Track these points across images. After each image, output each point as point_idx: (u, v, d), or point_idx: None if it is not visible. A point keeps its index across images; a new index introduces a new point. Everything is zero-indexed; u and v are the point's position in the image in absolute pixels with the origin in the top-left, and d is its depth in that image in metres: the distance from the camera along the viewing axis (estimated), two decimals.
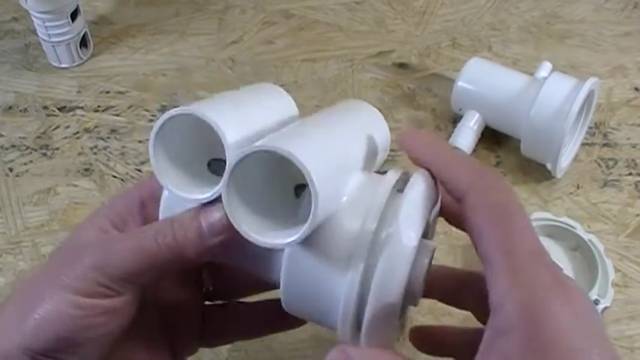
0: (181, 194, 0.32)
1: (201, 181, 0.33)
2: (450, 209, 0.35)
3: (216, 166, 0.33)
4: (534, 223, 0.53)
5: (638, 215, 0.56)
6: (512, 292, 0.27)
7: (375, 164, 0.37)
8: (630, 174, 0.58)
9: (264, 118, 0.35)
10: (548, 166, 0.57)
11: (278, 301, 0.33)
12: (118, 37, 0.70)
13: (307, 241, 0.31)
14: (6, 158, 0.60)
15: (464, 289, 0.36)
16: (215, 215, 0.31)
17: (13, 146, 0.60)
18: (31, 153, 0.60)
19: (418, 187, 0.32)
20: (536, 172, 0.58)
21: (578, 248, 0.52)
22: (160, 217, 0.34)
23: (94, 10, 0.73)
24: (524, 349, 0.26)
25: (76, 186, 0.58)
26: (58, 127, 0.62)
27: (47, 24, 0.63)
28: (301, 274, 0.31)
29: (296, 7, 0.73)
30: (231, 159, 0.29)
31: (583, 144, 0.60)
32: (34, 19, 0.64)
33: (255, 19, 0.72)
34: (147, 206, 0.35)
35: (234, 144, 0.30)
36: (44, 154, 0.60)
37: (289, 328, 0.39)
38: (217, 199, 0.31)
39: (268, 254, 0.32)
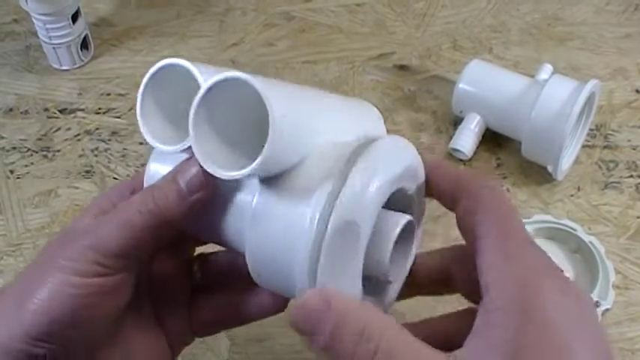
0: (158, 145, 0.32)
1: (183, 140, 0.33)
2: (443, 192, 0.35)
3: None
4: (535, 226, 0.53)
5: (638, 217, 0.56)
6: (506, 272, 0.28)
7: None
8: (631, 176, 0.58)
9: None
10: (549, 168, 0.57)
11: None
12: (119, 39, 0.70)
13: (268, 195, 0.31)
14: (7, 160, 0.60)
15: (451, 268, 0.36)
16: (191, 171, 0.32)
17: (14, 148, 0.60)
18: (31, 155, 0.60)
19: (383, 144, 0.32)
20: (537, 174, 0.58)
21: (579, 250, 0.52)
22: (145, 184, 0.35)
23: (95, 12, 0.73)
24: (518, 326, 0.27)
25: (77, 188, 0.58)
26: (58, 129, 0.62)
27: (48, 26, 0.63)
28: (262, 231, 0.31)
29: (297, 9, 0.73)
30: (202, 89, 0.29)
31: (584, 146, 0.60)
32: (34, 20, 0.64)
33: (256, 21, 0.72)
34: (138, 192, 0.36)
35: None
36: (45, 156, 0.60)
37: (270, 314, 0.39)
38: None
39: (236, 219, 0.32)
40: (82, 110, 0.63)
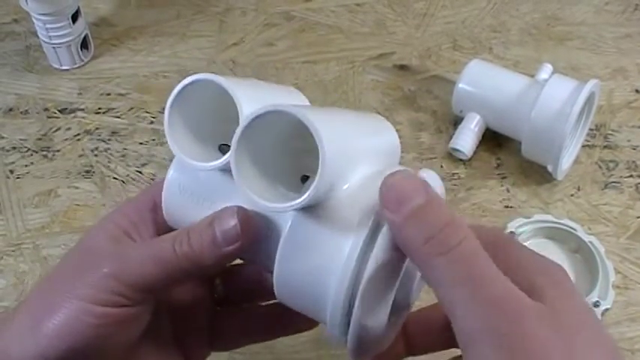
0: (191, 161, 0.31)
1: (211, 156, 0.32)
2: None
3: (227, 150, 0.33)
4: (535, 226, 0.53)
5: (638, 217, 0.56)
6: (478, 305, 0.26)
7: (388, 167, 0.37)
8: (631, 176, 0.58)
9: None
10: (549, 168, 0.57)
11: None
12: (119, 39, 0.70)
13: (304, 222, 0.31)
14: (7, 160, 0.60)
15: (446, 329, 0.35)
16: (229, 223, 0.31)
17: (14, 148, 0.60)
18: (31, 155, 0.60)
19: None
20: (537, 174, 0.58)
21: (579, 250, 0.52)
22: (164, 193, 0.34)
23: (95, 11, 0.73)
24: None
25: (76, 188, 0.58)
26: (58, 129, 0.62)
27: (48, 26, 0.63)
28: (295, 255, 0.31)
29: (297, 9, 0.73)
30: (241, 123, 0.29)
31: (584, 146, 0.60)
32: (34, 20, 0.64)
33: (256, 21, 0.72)
34: (158, 209, 0.35)
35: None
36: (45, 156, 0.60)
37: (298, 331, 0.39)
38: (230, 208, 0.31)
39: (271, 244, 0.32)
40: (82, 110, 0.63)
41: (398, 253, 0.30)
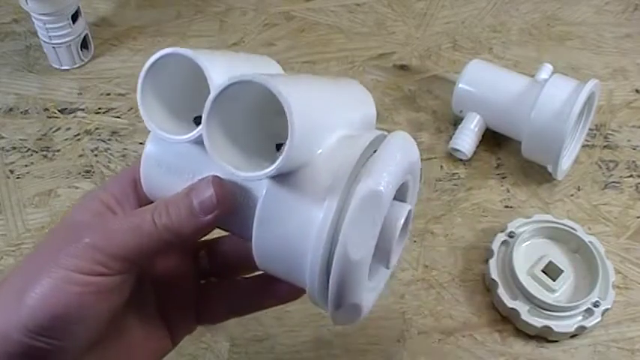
0: (164, 135, 0.32)
1: (186, 129, 0.33)
2: None
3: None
4: (535, 226, 0.53)
5: (638, 217, 0.56)
6: None
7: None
8: (631, 176, 0.58)
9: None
10: (549, 168, 0.57)
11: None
12: (119, 39, 0.70)
13: (279, 189, 0.31)
14: (7, 160, 0.60)
15: None
16: (205, 193, 0.32)
17: (14, 148, 0.61)
18: (31, 155, 0.60)
19: (391, 146, 0.32)
20: (537, 174, 0.58)
21: (579, 250, 0.52)
22: (142, 167, 0.35)
23: (95, 11, 0.73)
24: None
25: (77, 188, 0.58)
26: (58, 129, 0.62)
27: (48, 26, 0.63)
28: (272, 221, 0.32)
29: (297, 9, 0.73)
30: (210, 97, 0.30)
31: (584, 146, 0.60)
32: (34, 20, 0.64)
33: (256, 21, 0.72)
34: (139, 185, 0.36)
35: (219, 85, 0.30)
36: (45, 156, 0.60)
37: (283, 302, 0.39)
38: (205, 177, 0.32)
39: (247, 212, 0.32)
40: (82, 110, 0.63)
41: (372, 211, 0.30)
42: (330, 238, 0.31)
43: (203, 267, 0.41)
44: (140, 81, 0.33)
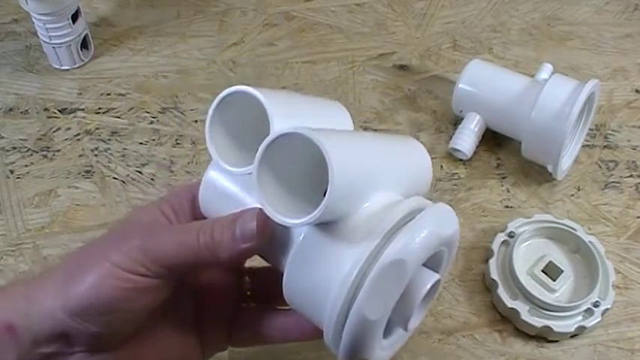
0: (224, 165, 0.35)
1: (248, 159, 0.35)
2: None
3: None
4: (535, 226, 0.53)
5: (638, 217, 0.56)
6: None
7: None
8: (631, 176, 0.58)
9: (316, 120, 0.37)
10: (549, 168, 0.57)
11: None
12: (119, 39, 0.70)
13: (316, 235, 0.34)
14: (7, 160, 0.60)
15: None
16: (249, 223, 0.35)
17: (14, 148, 0.60)
18: (31, 155, 0.60)
19: (426, 217, 0.33)
20: (537, 174, 0.58)
21: (579, 250, 0.52)
22: (201, 189, 0.38)
23: (95, 11, 0.73)
24: None
25: (77, 188, 0.58)
26: (58, 129, 0.62)
27: (48, 26, 0.63)
28: (304, 263, 0.34)
29: (297, 9, 0.73)
30: (264, 142, 0.32)
31: (584, 146, 0.60)
32: (34, 20, 0.64)
33: (256, 21, 0.72)
34: (196, 201, 0.39)
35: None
36: (45, 156, 0.60)
37: (309, 338, 0.41)
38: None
39: (284, 248, 0.35)
40: (82, 110, 0.63)
41: (401, 269, 0.31)
42: (351, 294, 0.32)
43: (245, 291, 0.44)
44: (210, 113, 0.36)
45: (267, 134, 0.32)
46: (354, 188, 0.33)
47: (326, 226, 0.33)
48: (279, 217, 0.32)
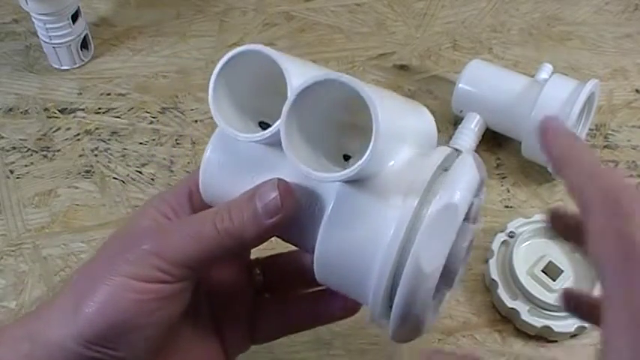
0: (235, 133, 0.31)
1: (252, 130, 0.32)
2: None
3: (267, 127, 0.32)
4: (535, 226, 0.53)
5: None
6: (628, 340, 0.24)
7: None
8: (631, 176, 0.58)
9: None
10: (549, 168, 0.57)
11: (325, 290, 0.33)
12: (119, 39, 0.70)
13: (350, 195, 0.31)
14: (7, 160, 0.60)
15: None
16: (270, 195, 0.31)
17: (14, 148, 0.61)
18: (31, 155, 0.60)
19: (466, 166, 0.32)
20: (537, 173, 0.58)
21: (579, 250, 0.52)
22: (202, 171, 0.34)
23: (95, 11, 0.73)
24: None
25: (77, 188, 0.58)
26: (58, 128, 0.62)
27: (48, 26, 0.63)
28: (339, 231, 0.31)
29: (297, 9, 0.73)
30: (294, 89, 0.29)
31: None
32: (34, 20, 0.64)
33: (256, 21, 0.72)
34: (194, 196, 0.36)
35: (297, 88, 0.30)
36: (45, 156, 0.60)
37: (336, 319, 0.39)
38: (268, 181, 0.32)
39: (312, 220, 0.32)
40: (82, 110, 0.63)
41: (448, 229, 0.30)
42: (401, 250, 0.30)
43: (257, 284, 0.41)
44: (213, 77, 0.32)
45: (274, 98, 0.29)
46: (391, 140, 0.31)
47: (360, 184, 0.31)
48: (316, 174, 0.29)
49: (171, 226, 0.33)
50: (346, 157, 0.34)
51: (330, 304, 0.38)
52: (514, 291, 0.50)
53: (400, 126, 0.33)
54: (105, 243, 0.34)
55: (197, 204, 0.36)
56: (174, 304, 0.32)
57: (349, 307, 0.37)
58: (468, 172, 0.32)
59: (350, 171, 0.28)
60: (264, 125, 0.34)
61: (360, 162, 0.28)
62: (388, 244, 0.30)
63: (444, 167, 0.32)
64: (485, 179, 0.34)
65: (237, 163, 0.34)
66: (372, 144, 0.28)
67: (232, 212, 0.32)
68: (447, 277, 0.32)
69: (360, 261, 0.31)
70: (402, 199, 0.30)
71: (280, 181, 0.31)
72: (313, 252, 0.32)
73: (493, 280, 0.50)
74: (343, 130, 0.30)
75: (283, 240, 0.35)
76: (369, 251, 0.30)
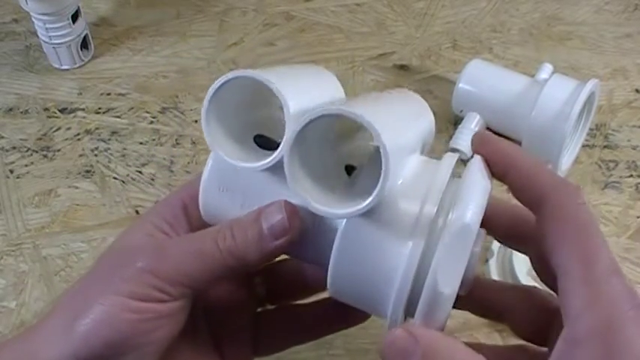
0: (235, 162, 0.30)
1: (250, 152, 0.31)
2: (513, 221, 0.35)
3: (262, 142, 0.32)
4: None
5: (638, 217, 0.56)
6: (592, 305, 0.27)
7: (424, 150, 0.37)
8: (631, 176, 0.58)
9: (321, 96, 0.34)
10: (549, 167, 0.57)
11: (332, 299, 0.33)
12: (119, 39, 0.70)
13: (362, 218, 0.30)
14: (7, 160, 0.60)
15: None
16: (276, 217, 0.30)
17: (14, 148, 0.60)
18: (31, 155, 0.60)
19: (477, 174, 0.32)
20: None
21: None
22: (202, 192, 0.33)
23: (95, 11, 0.73)
24: None
25: (77, 188, 0.58)
26: (59, 128, 0.62)
27: (48, 26, 0.63)
28: (354, 252, 0.30)
29: (297, 9, 0.73)
30: (294, 125, 0.28)
31: (584, 146, 0.60)
32: (34, 20, 0.64)
33: (256, 21, 0.72)
34: (189, 209, 0.35)
35: (295, 114, 0.29)
36: (45, 156, 0.60)
37: (345, 327, 0.38)
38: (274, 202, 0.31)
39: (320, 238, 0.31)
40: (82, 110, 0.63)
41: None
42: (417, 272, 0.30)
43: (259, 294, 0.39)
44: (204, 109, 0.31)
45: (263, 109, 0.29)
46: (399, 160, 0.30)
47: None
48: (323, 209, 0.28)
49: (170, 243, 0.32)
50: (348, 167, 0.33)
51: (340, 313, 0.37)
52: None
53: (405, 140, 0.33)
54: (100, 258, 0.33)
55: (193, 217, 0.35)
56: (172, 323, 0.32)
57: (356, 316, 0.36)
58: (478, 188, 0.31)
59: (364, 206, 0.28)
60: (259, 139, 0.33)
61: (369, 199, 0.28)
62: (405, 267, 0.30)
63: (455, 175, 0.32)
64: (491, 184, 0.34)
65: (238, 187, 0.33)
66: (381, 178, 0.28)
67: (235, 231, 0.31)
68: (461, 285, 0.32)
69: (374, 282, 0.30)
70: (415, 220, 0.30)
71: (287, 203, 0.31)
72: (319, 264, 0.32)
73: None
74: (341, 142, 0.30)
75: (288, 256, 0.35)
76: (384, 272, 0.30)
